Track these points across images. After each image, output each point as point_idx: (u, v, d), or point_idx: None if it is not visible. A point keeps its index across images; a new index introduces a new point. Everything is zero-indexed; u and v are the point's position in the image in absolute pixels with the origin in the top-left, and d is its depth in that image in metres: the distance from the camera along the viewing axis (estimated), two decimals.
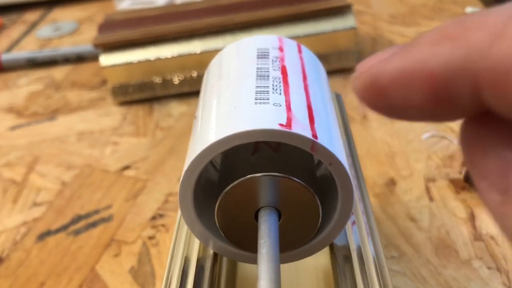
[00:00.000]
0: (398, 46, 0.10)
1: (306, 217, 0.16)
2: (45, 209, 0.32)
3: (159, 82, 0.41)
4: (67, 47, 0.52)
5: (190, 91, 0.42)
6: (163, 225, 0.29)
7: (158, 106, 0.41)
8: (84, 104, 0.43)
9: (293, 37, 0.40)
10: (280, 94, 0.17)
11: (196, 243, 0.18)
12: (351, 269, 0.16)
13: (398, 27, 0.50)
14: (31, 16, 0.67)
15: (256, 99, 0.16)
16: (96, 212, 0.31)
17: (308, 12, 0.40)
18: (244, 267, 0.21)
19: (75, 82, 0.47)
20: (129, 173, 0.34)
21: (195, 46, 0.40)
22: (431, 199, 0.28)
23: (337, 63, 0.41)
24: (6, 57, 0.51)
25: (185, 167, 0.15)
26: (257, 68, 0.18)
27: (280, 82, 0.18)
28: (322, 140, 0.15)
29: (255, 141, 0.15)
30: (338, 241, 0.17)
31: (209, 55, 0.40)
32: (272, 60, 0.19)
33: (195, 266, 0.17)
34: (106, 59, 0.40)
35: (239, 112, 0.16)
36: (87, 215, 0.31)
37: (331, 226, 0.16)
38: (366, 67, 0.11)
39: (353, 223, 0.18)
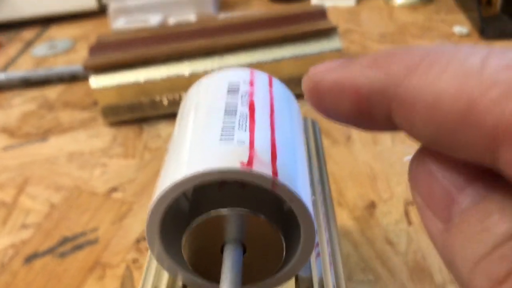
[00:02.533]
0: (343, 60, 0.12)
1: (271, 251, 0.17)
2: (33, 231, 0.32)
3: (148, 103, 0.42)
4: (61, 66, 0.53)
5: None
6: (147, 248, 0.30)
7: (147, 127, 0.42)
8: (75, 124, 0.44)
9: (281, 59, 0.41)
10: (245, 131, 0.17)
11: (165, 274, 0.19)
12: None
13: (387, 45, 0.51)
14: (28, 34, 0.68)
15: (221, 136, 0.17)
16: (83, 234, 0.31)
17: (295, 34, 0.40)
18: None
19: (67, 102, 0.48)
20: (116, 195, 0.35)
21: (184, 68, 0.41)
22: (409, 222, 0.29)
23: None
24: (0, 77, 0.52)
25: (151, 205, 0.16)
26: (226, 103, 0.19)
27: (246, 119, 0.18)
28: (282, 178, 0.15)
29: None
30: (302, 273, 0.18)
31: (198, 77, 0.41)
32: (242, 95, 0.20)
33: None
34: (96, 81, 0.41)
35: (203, 149, 0.16)
36: (73, 237, 0.31)
37: (295, 260, 0.17)
38: (314, 72, 0.12)
39: (318, 254, 0.19)
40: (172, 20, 0.60)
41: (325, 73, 0.12)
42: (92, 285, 0.28)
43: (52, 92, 0.50)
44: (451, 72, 0.09)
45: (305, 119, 0.26)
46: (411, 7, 0.59)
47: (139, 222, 0.32)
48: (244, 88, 0.20)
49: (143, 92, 0.41)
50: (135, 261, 0.29)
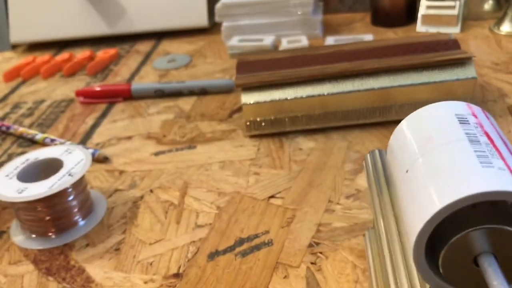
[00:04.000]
0: None
1: None
2: (208, 230, 0.36)
3: (288, 119, 0.45)
4: (191, 80, 0.58)
5: (316, 128, 0.46)
6: (321, 253, 0.33)
7: (287, 140, 0.46)
8: (217, 135, 0.48)
9: (418, 84, 0.43)
10: (498, 158, 0.20)
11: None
12: None
13: (502, 74, 0.53)
14: (143, 47, 0.73)
15: (481, 163, 0.20)
16: (256, 236, 0.35)
17: (432, 62, 0.43)
18: None
19: (203, 114, 0.52)
20: (276, 201, 0.38)
21: (324, 89, 0.44)
22: None
23: None
24: (136, 86, 0.57)
25: (417, 231, 0.19)
26: (466, 134, 0.22)
27: (491, 147, 0.21)
28: None
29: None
30: None
31: (335, 97, 0.44)
32: (474, 126, 0.22)
33: None
34: (245, 98, 0.45)
35: (473, 174, 0.19)
36: (248, 238, 0.35)
37: None
38: None
39: None
40: (284, 41, 0.64)
41: None
42: (279, 282, 0.31)
43: (185, 104, 0.55)
44: None
45: None
46: None
47: (306, 228, 0.35)
48: (471, 119, 0.23)
49: (283, 109, 0.45)
50: (313, 263, 0.32)
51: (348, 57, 0.46)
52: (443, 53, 0.44)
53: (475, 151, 0.20)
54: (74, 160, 0.38)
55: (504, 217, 0.20)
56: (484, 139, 0.21)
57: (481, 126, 0.22)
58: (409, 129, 0.24)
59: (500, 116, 0.45)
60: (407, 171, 0.22)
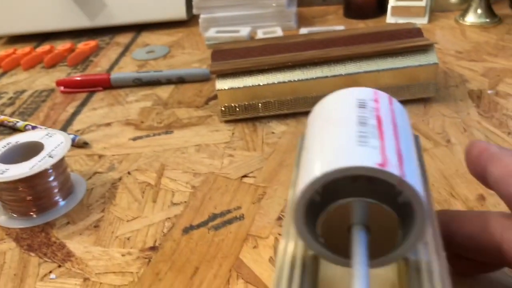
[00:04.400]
0: (497, 148, 0.16)
1: (388, 234, 0.21)
2: (183, 208, 0.38)
3: (261, 104, 0.47)
4: (169, 69, 0.59)
5: (288, 113, 0.48)
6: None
7: (260, 124, 0.48)
8: (194, 121, 0.50)
9: (383, 70, 0.46)
10: (377, 139, 0.22)
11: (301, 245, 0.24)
12: (418, 279, 0.21)
13: (465, 62, 0.56)
14: (122, 38, 0.75)
15: (358, 142, 0.21)
16: (229, 211, 0.37)
17: (397, 48, 0.46)
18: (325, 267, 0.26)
19: (180, 101, 0.54)
20: (248, 180, 0.40)
21: (294, 75, 0.47)
22: None
23: (419, 93, 0.47)
24: (115, 76, 0.58)
25: (301, 189, 0.20)
26: (357, 116, 0.23)
27: (376, 129, 0.23)
28: (407, 178, 0.20)
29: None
30: (412, 256, 0.22)
31: (305, 83, 0.47)
32: (370, 110, 0.24)
33: (300, 264, 0.23)
34: (220, 84, 0.47)
35: (347, 150, 0.21)
36: (221, 214, 0.37)
37: (407, 244, 0.21)
38: (478, 153, 0.16)
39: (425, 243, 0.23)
40: (259, 32, 0.66)
41: (488, 161, 0.15)
42: (249, 252, 0.33)
43: (163, 92, 0.56)
44: None
45: None
46: (481, 27, 0.64)
47: (275, 203, 0.37)
48: (371, 104, 0.25)
49: (257, 94, 0.47)
50: (280, 234, 0.34)
51: (318, 45, 0.48)
52: (406, 41, 0.47)
53: (359, 131, 0.22)
54: (54, 143, 0.39)
55: (378, 193, 0.21)
56: (372, 121, 0.23)
57: (377, 111, 0.24)
58: (318, 108, 0.26)
59: (461, 100, 0.48)
60: (304, 147, 0.24)
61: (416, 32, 0.48)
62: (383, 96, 0.26)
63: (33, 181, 0.38)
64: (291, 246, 0.24)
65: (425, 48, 0.46)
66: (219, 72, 0.47)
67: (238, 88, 0.47)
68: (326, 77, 0.46)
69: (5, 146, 0.40)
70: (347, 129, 0.22)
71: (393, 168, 0.20)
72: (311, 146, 0.23)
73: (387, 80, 0.47)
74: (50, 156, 0.38)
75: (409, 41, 0.47)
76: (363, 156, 0.20)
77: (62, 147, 0.39)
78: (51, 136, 0.40)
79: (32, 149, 0.40)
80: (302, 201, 0.21)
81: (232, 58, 0.48)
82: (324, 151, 0.22)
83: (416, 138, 0.31)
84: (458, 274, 0.26)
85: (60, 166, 0.39)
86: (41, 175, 0.38)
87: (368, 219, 0.21)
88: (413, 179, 0.20)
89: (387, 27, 0.51)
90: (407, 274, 0.22)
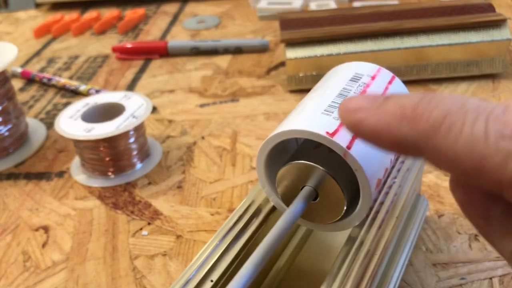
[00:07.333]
0: (371, 98, 0.15)
1: (336, 203, 0.22)
2: None
3: None
4: (227, 39, 0.59)
5: None
6: None
7: None
8: (258, 90, 0.50)
9: (455, 44, 0.46)
10: None
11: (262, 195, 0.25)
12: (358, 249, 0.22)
13: None
14: (169, 8, 0.74)
15: (324, 111, 0.22)
16: None
17: (470, 23, 0.46)
18: None
19: (240, 71, 0.54)
20: None
21: (366, 46, 0.46)
22: None
23: (488, 69, 0.47)
24: (172, 43, 0.58)
25: (262, 144, 0.22)
26: (343, 88, 0.24)
27: None
28: (353, 151, 0.20)
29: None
30: (356, 229, 0.23)
31: (376, 54, 0.46)
32: (359, 84, 0.24)
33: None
34: (289, 53, 0.47)
35: (309, 116, 0.22)
36: None
37: (353, 215, 0.22)
38: (349, 110, 0.15)
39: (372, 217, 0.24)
40: (312, 5, 0.65)
41: (361, 114, 0.15)
42: None
43: (221, 61, 0.56)
44: (464, 137, 0.13)
45: None
46: None
47: None
48: (364, 80, 0.25)
49: (326, 65, 0.47)
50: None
51: (387, 17, 0.48)
52: (479, 15, 0.46)
53: (332, 101, 0.22)
54: (135, 105, 0.40)
55: (329, 161, 0.22)
56: (354, 95, 0.23)
57: (366, 86, 0.24)
58: (324, 76, 0.27)
59: None
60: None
61: (487, 7, 0.48)
62: (384, 74, 0.25)
63: (115, 141, 0.38)
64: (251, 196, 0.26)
65: (498, 24, 0.46)
66: (290, 40, 0.46)
67: (307, 57, 0.47)
68: (398, 48, 0.46)
69: (84, 106, 0.40)
70: (323, 98, 0.23)
71: (341, 139, 0.20)
72: (295, 108, 0.24)
73: (457, 54, 0.47)
74: (134, 117, 0.38)
75: (482, 16, 0.46)
76: (318, 123, 0.21)
77: (144, 109, 0.39)
78: (129, 98, 0.41)
79: (111, 110, 0.40)
80: (261, 152, 0.23)
81: (300, 27, 0.48)
82: (294, 114, 0.23)
83: None
84: None
85: (140, 128, 0.40)
86: (123, 136, 0.38)
87: (319, 185, 0.22)
88: (362, 154, 0.20)
89: (457, 2, 0.50)
90: (352, 244, 0.23)
